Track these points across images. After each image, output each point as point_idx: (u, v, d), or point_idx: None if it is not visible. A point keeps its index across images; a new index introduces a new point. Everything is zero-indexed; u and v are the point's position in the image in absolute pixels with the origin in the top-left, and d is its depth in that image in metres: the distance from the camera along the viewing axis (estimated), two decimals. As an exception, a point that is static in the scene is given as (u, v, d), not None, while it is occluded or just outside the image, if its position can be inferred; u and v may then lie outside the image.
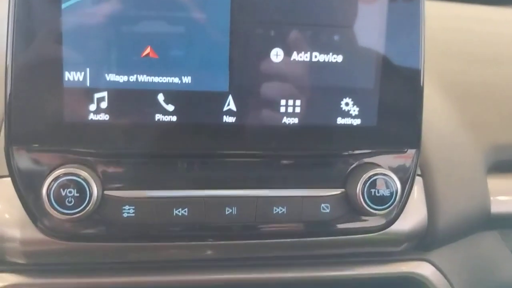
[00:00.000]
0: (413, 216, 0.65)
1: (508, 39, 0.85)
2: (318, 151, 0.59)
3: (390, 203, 0.58)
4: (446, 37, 0.84)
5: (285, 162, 0.59)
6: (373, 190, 0.58)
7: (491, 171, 0.76)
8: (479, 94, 0.81)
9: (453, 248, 0.71)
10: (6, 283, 0.58)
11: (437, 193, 0.66)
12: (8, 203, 0.56)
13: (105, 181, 0.54)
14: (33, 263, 0.58)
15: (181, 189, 0.56)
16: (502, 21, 0.90)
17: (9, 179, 0.55)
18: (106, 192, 0.54)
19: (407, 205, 0.63)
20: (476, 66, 0.83)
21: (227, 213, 0.57)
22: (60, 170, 0.52)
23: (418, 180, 0.66)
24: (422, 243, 0.66)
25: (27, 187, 0.54)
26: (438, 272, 0.68)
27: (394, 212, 0.61)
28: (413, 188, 0.63)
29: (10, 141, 0.53)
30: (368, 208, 0.58)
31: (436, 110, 0.75)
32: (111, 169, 0.55)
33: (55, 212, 0.52)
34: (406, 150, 0.60)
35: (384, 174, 0.58)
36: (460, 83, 0.81)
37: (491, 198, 0.73)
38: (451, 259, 0.70)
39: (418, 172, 0.66)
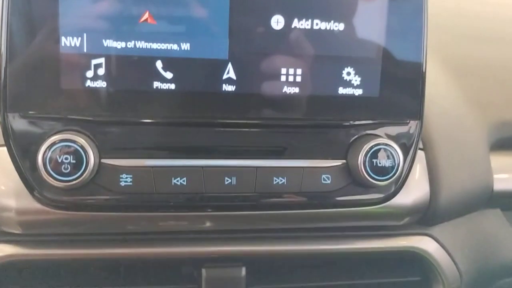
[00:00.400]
0: (415, 190, 0.64)
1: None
2: (319, 121, 0.58)
3: (392, 174, 0.57)
4: (449, 16, 0.84)
5: (285, 132, 0.58)
6: (375, 161, 0.57)
7: (494, 149, 0.75)
8: (482, 72, 0.81)
9: (455, 225, 0.70)
10: (1, 254, 0.57)
11: (439, 167, 0.65)
12: (3, 172, 0.55)
13: (102, 149, 0.53)
14: (29, 233, 0.57)
15: (180, 158, 0.55)
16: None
17: (4, 148, 0.54)
18: (103, 160, 0.53)
19: (409, 179, 0.62)
20: (479, 45, 0.83)
21: (226, 183, 0.56)
22: (56, 136, 0.51)
23: (421, 155, 0.65)
24: (424, 218, 0.65)
25: (23, 155, 0.53)
26: (440, 247, 0.67)
27: (396, 184, 0.61)
28: (415, 162, 0.62)
29: (5, 108, 0.52)
30: (370, 179, 0.57)
31: (439, 86, 0.75)
32: (108, 137, 0.54)
33: (51, 179, 0.51)
34: (408, 121, 0.60)
35: (386, 145, 0.57)
36: (463, 61, 0.81)
37: (494, 175, 0.72)
38: (453, 235, 0.69)
39: (421, 146, 0.65)
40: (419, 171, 0.65)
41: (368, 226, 0.64)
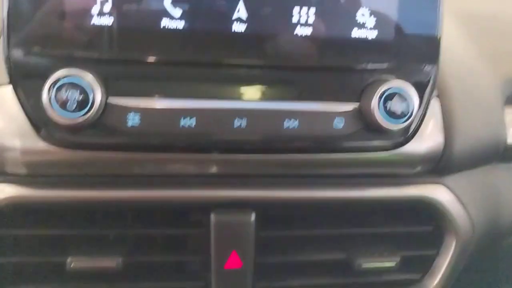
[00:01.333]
0: (429, 137, 0.62)
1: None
2: (332, 64, 0.56)
3: (405, 118, 0.56)
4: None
5: (297, 74, 0.56)
6: (388, 104, 0.55)
7: (508, 103, 0.73)
8: (498, 27, 0.80)
9: (469, 176, 0.68)
10: (6, 195, 0.56)
11: (454, 115, 0.64)
12: (8, 112, 0.54)
13: (109, 88, 0.52)
14: (34, 174, 0.56)
15: (189, 99, 0.54)
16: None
17: (8, 87, 0.52)
18: (110, 99, 0.52)
19: (423, 126, 0.61)
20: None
21: (235, 125, 0.55)
22: (62, 72, 0.50)
23: (435, 102, 0.64)
24: (437, 167, 0.64)
25: (27, 93, 0.51)
26: (453, 197, 0.65)
27: (410, 129, 0.59)
28: (430, 109, 0.61)
29: (9, 45, 0.50)
30: (383, 123, 0.55)
31: (454, 38, 0.73)
32: (115, 75, 0.52)
33: (56, 115, 0.49)
34: (424, 65, 0.58)
35: (401, 88, 0.55)
36: (478, 16, 0.80)
37: (509, 129, 0.71)
38: (466, 186, 0.68)
39: (436, 93, 0.63)
40: (433, 118, 0.63)
41: (380, 174, 0.63)
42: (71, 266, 0.57)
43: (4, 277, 0.59)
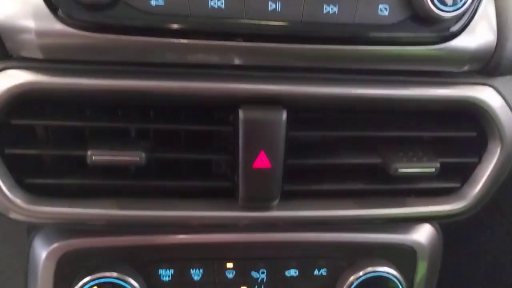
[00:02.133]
0: (481, 34, 0.56)
1: None
2: None
3: (458, 6, 0.50)
4: None
5: None
6: None
7: None
8: None
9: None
10: (22, 81, 0.52)
11: (509, 14, 0.57)
12: None
13: None
14: (51, 58, 0.52)
15: None
16: None
17: None
18: None
19: (475, 21, 0.55)
20: None
21: (270, 8, 0.50)
22: None
23: (490, 1, 0.57)
24: (486, 68, 0.58)
25: None
26: (501, 100, 0.60)
27: (461, 21, 0.53)
28: (482, 7, 0.55)
29: None
30: (434, 10, 0.50)
31: None
32: None
33: None
34: None
35: None
36: None
37: None
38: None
39: None
40: (486, 16, 0.57)
41: (425, 72, 0.58)
42: (92, 159, 0.54)
43: (23, 169, 0.57)
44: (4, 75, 0.52)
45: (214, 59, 0.53)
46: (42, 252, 0.62)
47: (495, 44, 0.57)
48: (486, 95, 0.59)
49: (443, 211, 0.64)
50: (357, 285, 0.66)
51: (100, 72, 0.53)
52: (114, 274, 0.61)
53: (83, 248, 0.62)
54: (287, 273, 0.67)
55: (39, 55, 0.51)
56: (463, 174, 0.65)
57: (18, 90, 0.52)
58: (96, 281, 0.61)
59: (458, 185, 0.65)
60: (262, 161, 0.57)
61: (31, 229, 0.64)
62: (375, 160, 0.61)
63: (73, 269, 0.62)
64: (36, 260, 0.62)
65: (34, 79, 0.52)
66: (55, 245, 0.62)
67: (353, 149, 0.62)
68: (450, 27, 0.53)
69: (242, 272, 0.67)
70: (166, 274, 0.65)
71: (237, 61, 0.54)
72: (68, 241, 0.62)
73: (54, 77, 0.52)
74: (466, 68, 0.58)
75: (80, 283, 0.61)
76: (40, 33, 0.50)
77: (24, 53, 0.52)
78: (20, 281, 0.67)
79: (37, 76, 0.52)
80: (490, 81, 0.60)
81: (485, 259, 0.85)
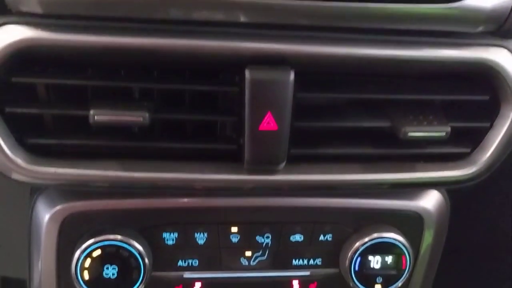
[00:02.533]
0: None
1: None
2: None
3: None
4: None
5: None
6: None
7: None
8: None
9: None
10: (22, 36, 0.50)
11: None
12: None
13: None
14: (51, 13, 0.50)
15: None
16: None
17: None
18: None
19: None
20: None
21: None
22: None
23: None
24: (501, 29, 0.56)
25: None
26: None
27: None
28: None
29: None
30: None
31: None
32: None
33: None
34: None
35: None
36: None
37: None
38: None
39: None
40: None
41: (437, 32, 0.56)
42: (95, 119, 0.53)
43: (25, 130, 0.56)
44: (3, 31, 0.50)
45: (219, 16, 0.51)
46: (45, 215, 0.61)
47: (511, 5, 0.55)
48: (501, 57, 0.57)
49: (452, 176, 0.63)
50: (362, 251, 0.66)
51: (103, 29, 0.51)
52: (118, 237, 0.61)
53: (87, 211, 0.62)
54: (292, 238, 0.67)
55: (38, 9, 0.50)
56: (474, 139, 0.64)
57: (18, 46, 0.50)
58: (100, 244, 0.60)
59: (468, 150, 0.64)
60: (268, 123, 0.55)
61: (34, 191, 0.64)
62: (384, 123, 0.60)
63: (76, 232, 0.62)
64: (39, 222, 0.62)
65: (34, 35, 0.50)
66: (58, 207, 0.61)
67: (362, 113, 0.61)
68: None
69: (247, 237, 0.66)
70: (170, 238, 0.65)
71: (243, 18, 0.52)
72: (71, 203, 0.61)
73: (54, 33, 0.51)
74: (480, 28, 0.56)
75: (84, 246, 0.60)
76: None
77: (24, 8, 0.50)
78: (24, 244, 0.66)
79: (37, 32, 0.50)
80: (504, 43, 0.58)
81: (489, 226, 0.84)
